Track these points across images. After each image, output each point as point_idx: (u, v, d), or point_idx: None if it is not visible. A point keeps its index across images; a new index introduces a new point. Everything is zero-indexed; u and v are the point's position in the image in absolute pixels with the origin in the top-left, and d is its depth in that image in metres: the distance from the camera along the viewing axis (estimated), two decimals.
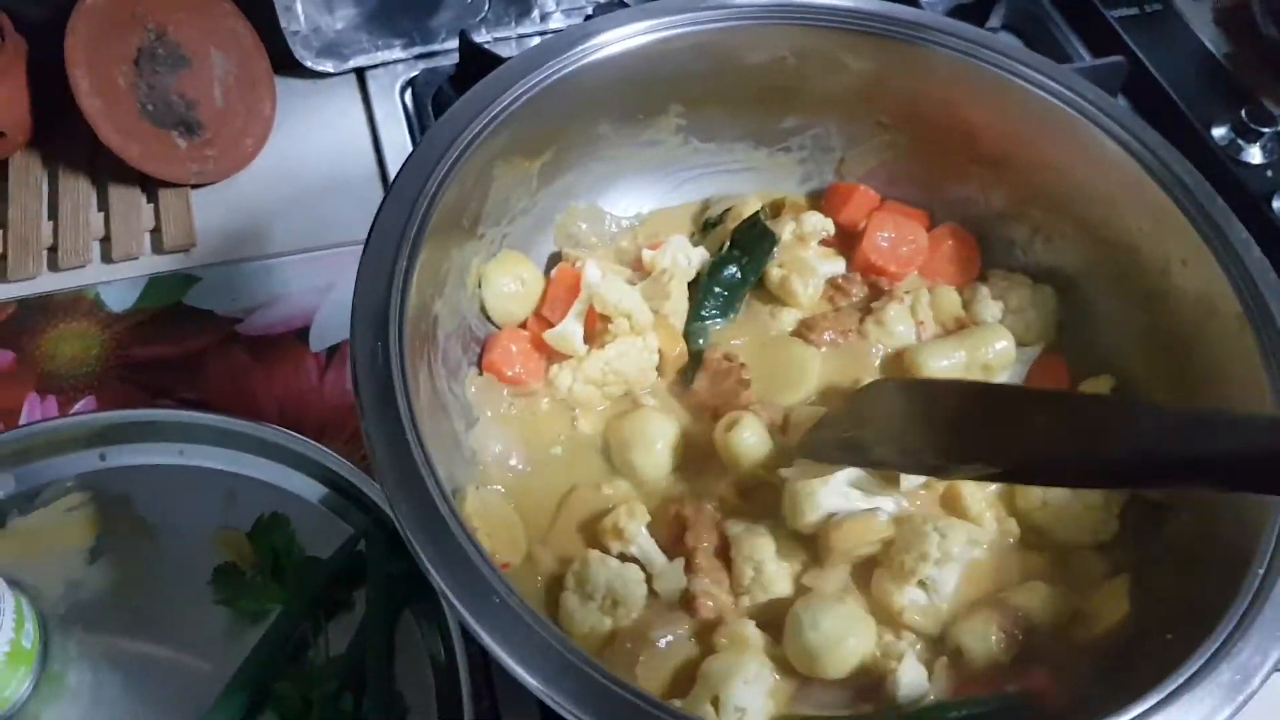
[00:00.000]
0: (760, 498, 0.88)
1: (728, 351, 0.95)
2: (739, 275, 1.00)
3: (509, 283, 0.95)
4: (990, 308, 0.98)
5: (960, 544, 0.79)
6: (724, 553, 0.84)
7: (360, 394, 0.67)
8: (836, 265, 1.04)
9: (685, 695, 0.76)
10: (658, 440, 0.89)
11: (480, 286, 0.94)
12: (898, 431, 0.76)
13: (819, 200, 1.09)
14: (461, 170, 0.82)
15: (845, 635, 0.77)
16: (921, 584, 0.81)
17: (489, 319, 0.95)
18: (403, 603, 0.88)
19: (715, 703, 0.73)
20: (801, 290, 0.99)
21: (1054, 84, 0.91)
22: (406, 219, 0.76)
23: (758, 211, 1.02)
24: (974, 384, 0.88)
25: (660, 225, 1.06)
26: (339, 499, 0.93)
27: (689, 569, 0.82)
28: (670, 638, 0.79)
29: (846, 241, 1.06)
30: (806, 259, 1.01)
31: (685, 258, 1.00)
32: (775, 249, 1.01)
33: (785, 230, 1.02)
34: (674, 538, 0.84)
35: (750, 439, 0.86)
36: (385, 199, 0.77)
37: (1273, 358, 0.77)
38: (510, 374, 0.92)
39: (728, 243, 1.02)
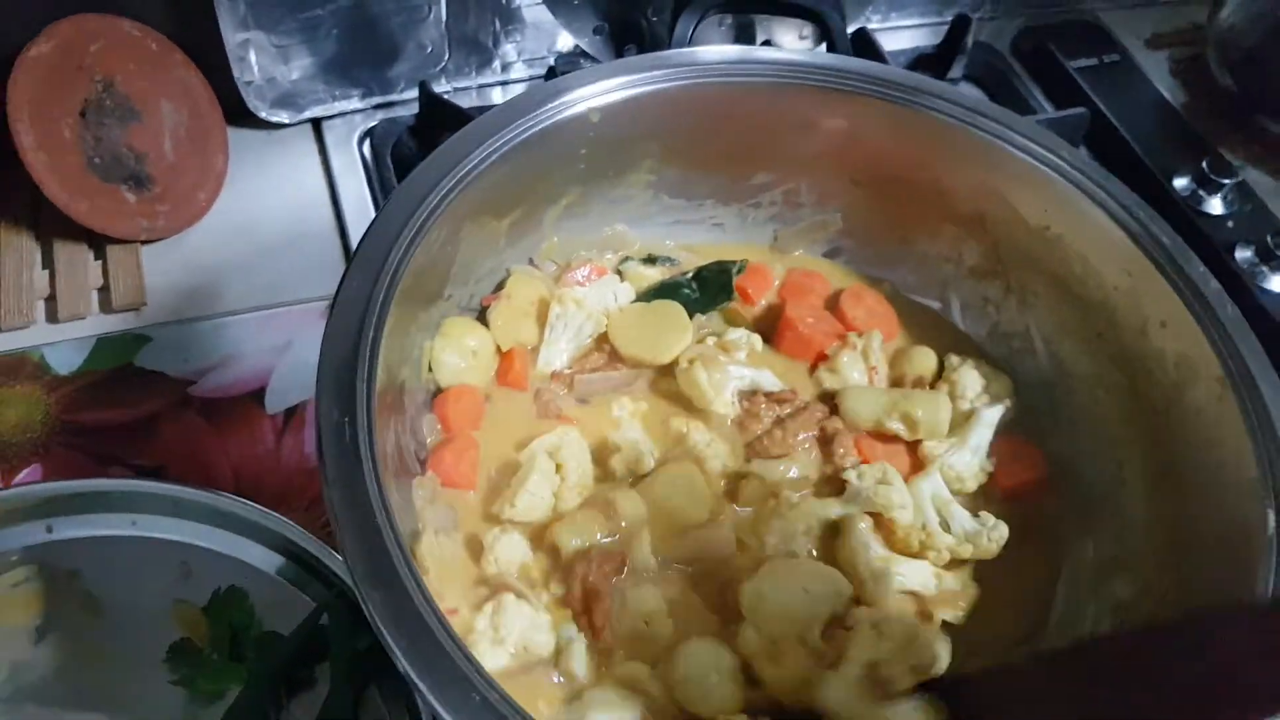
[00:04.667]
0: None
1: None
2: (687, 296, 1.02)
3: (456, 359, 0.93)
4: (969, 378, 0.96)
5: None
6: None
7: (327, 476, 0.64)
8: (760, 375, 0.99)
9: None
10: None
11: (430, 370, 0.92)
12: None
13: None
14: (429, 233, 0.79)
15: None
16: None
17: None
18: (368, 680, 0.84)
19: None
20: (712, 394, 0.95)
21: (1023, 139, 0.90)
22: (373, 286, 0.74)
23: (734, 263, 1.03)
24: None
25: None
26: (299, 571, 0.89)
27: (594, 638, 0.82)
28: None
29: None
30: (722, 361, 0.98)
31: (613, 295, 1.00)
32: (727, 302, 1.03)
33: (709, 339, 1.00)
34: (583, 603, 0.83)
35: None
36: (350, 265, 0.75)
37: (1255, 420, 0.76)
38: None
39: (690, 273, 1.03)
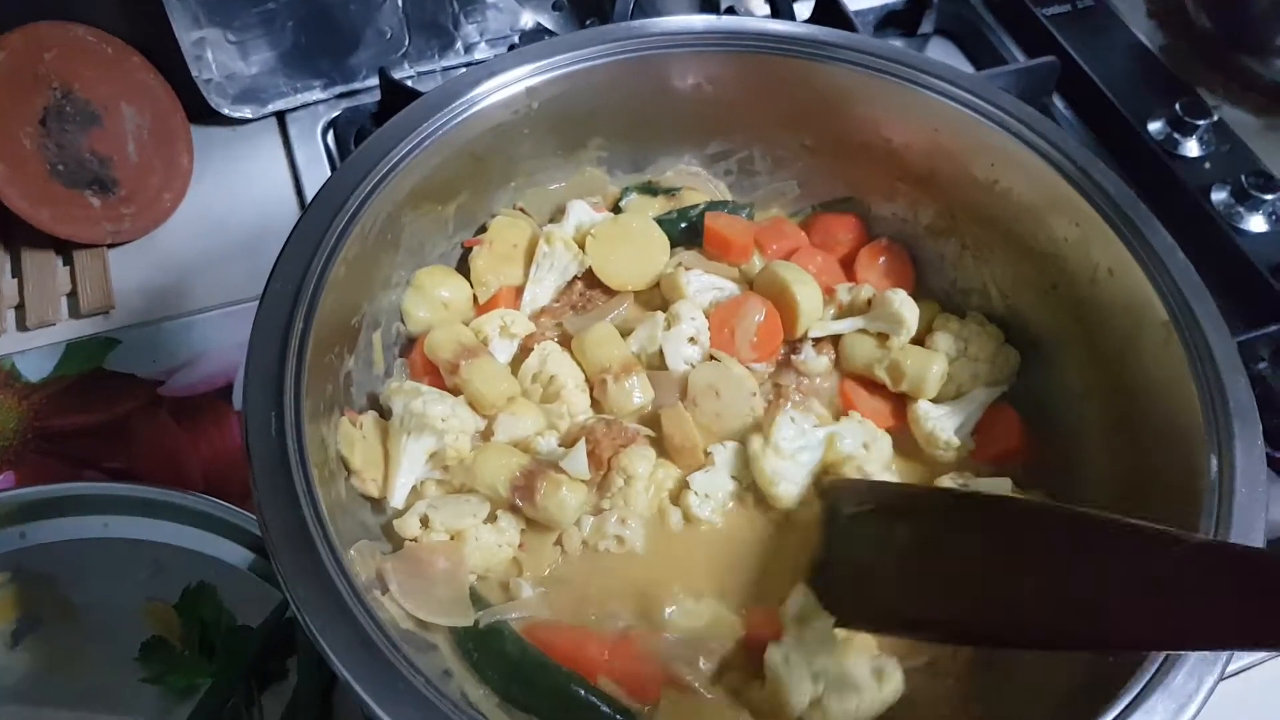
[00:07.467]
0: None
1: None
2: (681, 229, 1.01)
3: (426, 313, 0.93)
4: (943, 341, 0.94)
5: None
6: None
7: (254, 476, 0.64)
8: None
9: None
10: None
11: (404, 322, 0.92)
12: None
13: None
14: (362, 223, 0.79)
15: None
16: None
17: None
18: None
19: None
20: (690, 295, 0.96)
21: (969, 96, 0.89)
22: (301, 278, 0.74)
23: (743, 206, 1.03)
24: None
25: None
26: (268, 565, 0.89)
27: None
28: None
29: None
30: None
31: (590, 220, 0.99)
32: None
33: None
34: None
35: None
36: (277, 261, 0.75)
37: (1199, 364, 0.75)
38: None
39: (699, 205, 1.02)
